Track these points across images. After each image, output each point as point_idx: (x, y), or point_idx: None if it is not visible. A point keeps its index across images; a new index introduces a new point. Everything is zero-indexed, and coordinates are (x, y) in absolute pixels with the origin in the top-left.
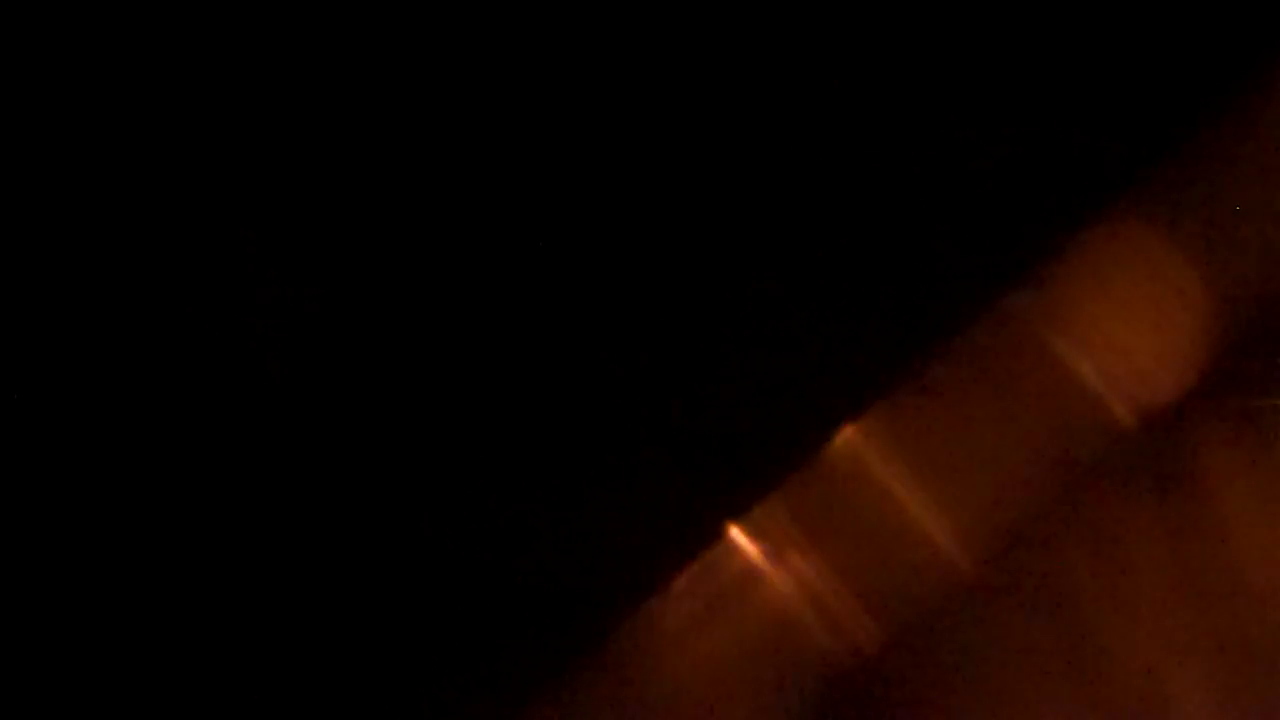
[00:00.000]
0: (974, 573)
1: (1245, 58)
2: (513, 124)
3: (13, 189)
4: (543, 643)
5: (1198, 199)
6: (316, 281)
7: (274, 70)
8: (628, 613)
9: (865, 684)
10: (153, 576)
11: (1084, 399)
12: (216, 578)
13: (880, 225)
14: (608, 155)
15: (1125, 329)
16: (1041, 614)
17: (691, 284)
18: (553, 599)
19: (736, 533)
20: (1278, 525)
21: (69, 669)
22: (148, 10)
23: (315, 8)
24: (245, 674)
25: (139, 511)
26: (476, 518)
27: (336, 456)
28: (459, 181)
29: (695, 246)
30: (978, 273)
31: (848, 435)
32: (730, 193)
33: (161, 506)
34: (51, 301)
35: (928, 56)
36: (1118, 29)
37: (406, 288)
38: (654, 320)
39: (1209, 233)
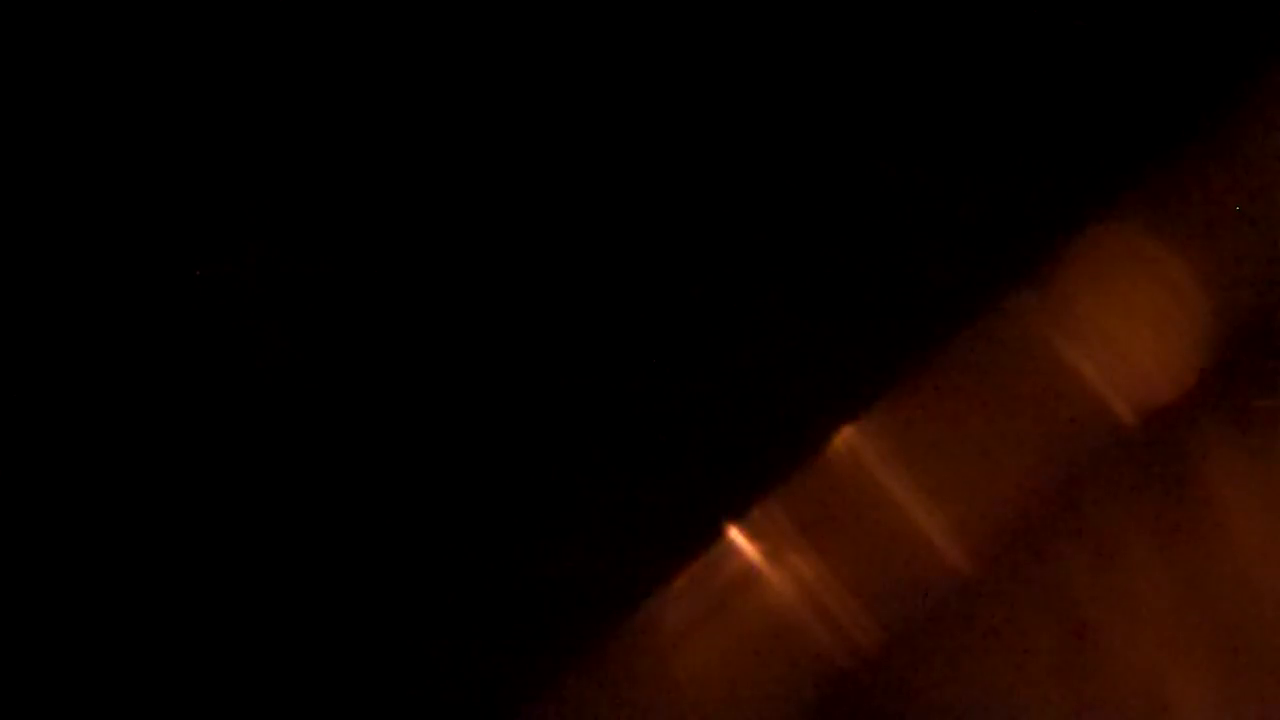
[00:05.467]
0: (974, 573)
1: (1245, 57)
2: (513, 123)
3: (7, 186)
4: (541, 643)
5: (1198, 199)
6: (318, 279)
7: (272, 67)
8: (626, 613)
9: (865, 684)
10: (150, 574)
11: (1084, 399)
12: (210, 575)
13: (879, 225)
14: (609, 156)
15: (1125, 329)
16: (1041, 614)
17: (690, 283)
18: (551, 599)
19: (735, 533)
20: (1278, 525)
21: (61, 667)
22: (145, 9)
23: (312, 6)
24: (241, 674)
25: (136, 509)
26: (474, 518)
27: (333, 455)
28: (462, 182)
29: (693, 246)
30: (978, 273)
31: (848, 435)
32: (728, 193)
33: (161, 503)
34: (46, 296)
35: (927, 56)
36: (1118, 28)
37: (405, 286)
38: (652, 319)
39: (1209, 233)
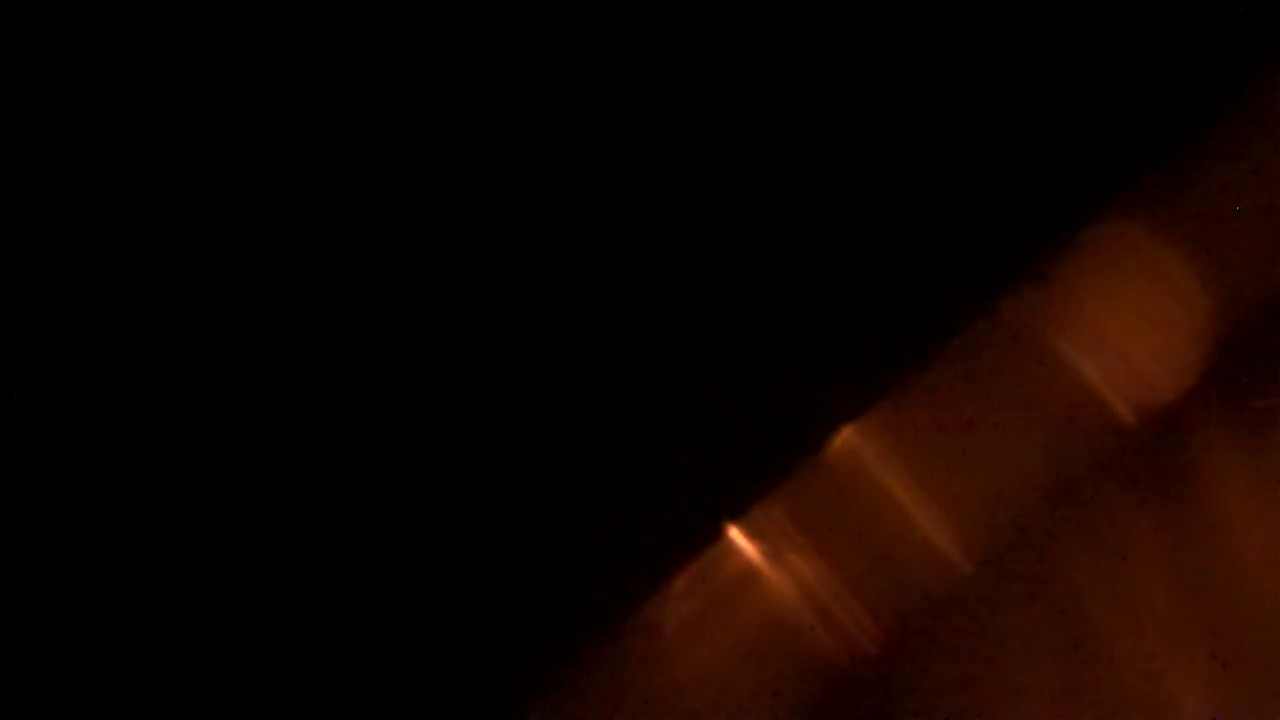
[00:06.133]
0: (974, 573)
1: (1245, 57)
2: (512, 124)
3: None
4: (541, 643)
5: (1198, 199)
6: (317, 280)
7: (269, 68)
8: (627, 613)
9: (865, 684)
10: (149, 575)
11: (1084, 399)
12: (209, 576)
13: (879, 224)
14: (606, 155)
15: (1125, 329)
16: (1041, 614)
17: (689, 283)
18: (550, 599)
19: (735, 533)
20: (1278, 525)
21: (61, 668)
22: (144, 9)
23: (311, 7)
24: (240, 674)
25: (133, 510)
26: (473, 518)
27: (332, 455)
28: (464, 181)
29: (692, 245)
30: (978, 273)
31: (848, 435)
32: (727, 192)
33: (157, 503)
34: (46, 300)
35: (926, 55)
36: (1117, 28)
37: (404, 287)
38: (652, 319)
39: (1209, 233)
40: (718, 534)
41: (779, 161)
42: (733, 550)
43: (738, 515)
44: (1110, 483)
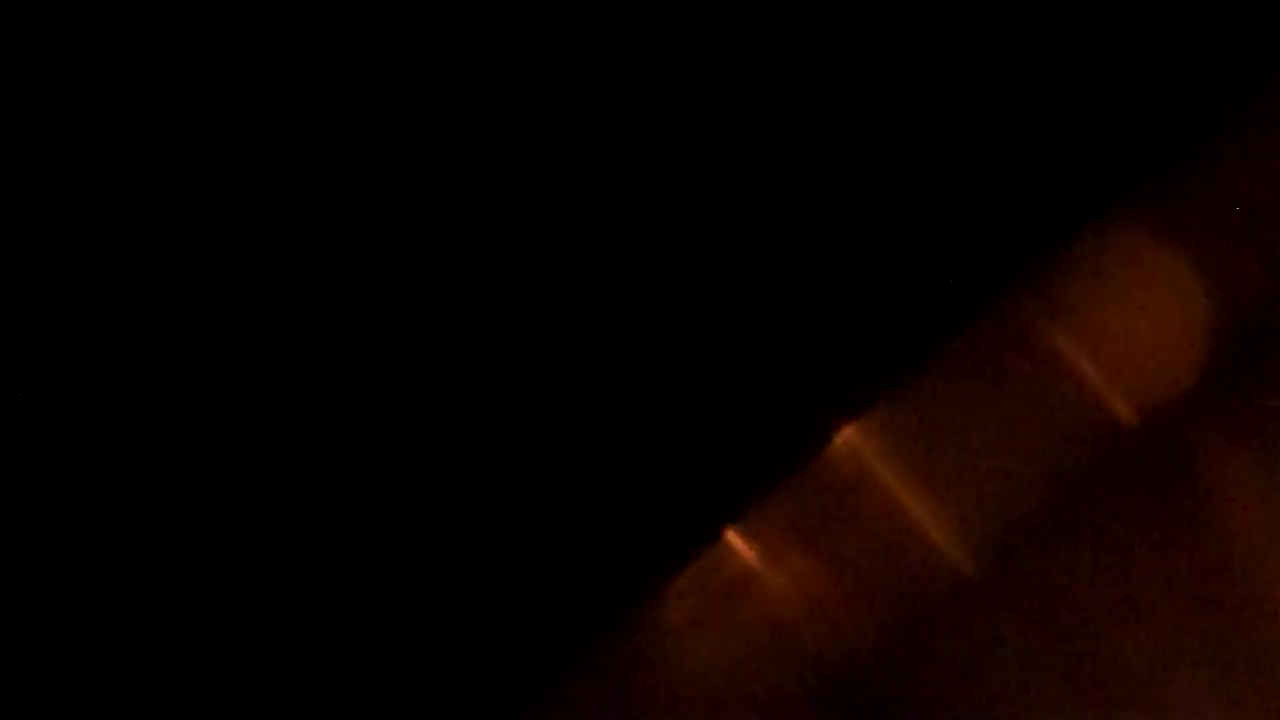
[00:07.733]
0: (974, 573)
1: (1247, 59)
2: (512, 125)
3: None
4: (540, 643)
5: (1198, 199)
6: (313, 281)
7: (269, 67)
8: (626, 613)
9: (865, 684)
10: (151, 578)
11: (1084, 398)
12: (209, 576)
13: (879, 224)
14: (605, 155)
15: (1125, 329)
16: (1041, 614)
17: (689, 283)
18: (550, 599)
19: (735, 534)
20: (1278, 525)
21: (63, 668)
22: (144, 10)
23: (313, 7)
24: (241, 676)
25: (131, 511)
26: (473, 518)
27: (331, 455)
28: (458, 183)
29: (692, 245)
30: (978, 273)
31: (848, 435)
32: (727, 191)
33: (157, 504)
34: (48, 300)
35: (926, 55)
36: (1119, 30)
37: (404, 287)
38: (652, 320)
39: (1209, 233)
40: (718, 534)
41: (779, 161)
42: (732, 550)
43: (737, 516)
44: (1110, 483)
